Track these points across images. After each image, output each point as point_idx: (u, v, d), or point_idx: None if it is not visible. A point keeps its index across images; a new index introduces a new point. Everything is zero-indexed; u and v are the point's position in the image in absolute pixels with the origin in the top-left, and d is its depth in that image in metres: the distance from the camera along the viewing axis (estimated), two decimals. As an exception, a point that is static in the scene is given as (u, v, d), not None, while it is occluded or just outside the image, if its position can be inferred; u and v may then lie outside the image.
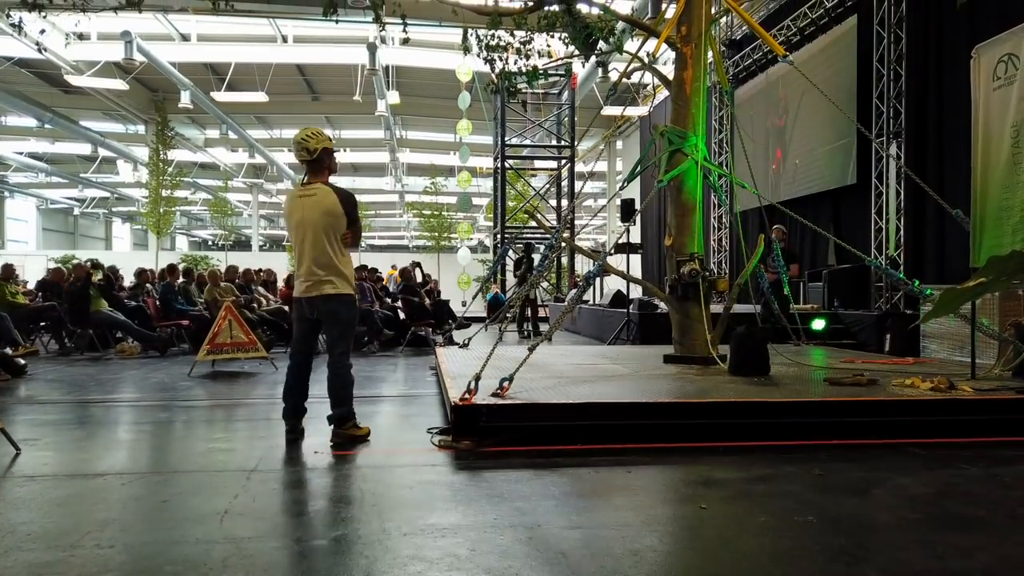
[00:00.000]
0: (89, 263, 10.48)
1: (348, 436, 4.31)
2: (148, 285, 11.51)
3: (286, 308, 10.55)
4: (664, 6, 12.18)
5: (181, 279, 11.02)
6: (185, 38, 17.58)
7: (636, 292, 12.26)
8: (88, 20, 15.58)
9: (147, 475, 3.67)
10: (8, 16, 7.50)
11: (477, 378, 4.44)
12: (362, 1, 12.23)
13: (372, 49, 15.90)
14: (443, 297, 14.04)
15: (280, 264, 24.11)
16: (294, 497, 3.34)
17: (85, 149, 26.41)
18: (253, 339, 7.97)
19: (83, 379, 7.45)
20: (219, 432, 4.92)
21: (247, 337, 7.90)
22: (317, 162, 4.38)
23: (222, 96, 18.51)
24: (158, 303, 10.51)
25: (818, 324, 9.15)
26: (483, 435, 4.12)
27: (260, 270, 13.19)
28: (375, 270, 12.56)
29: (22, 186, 35.18)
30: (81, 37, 16.80)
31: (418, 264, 11.92)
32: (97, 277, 9.99)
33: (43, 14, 7.43)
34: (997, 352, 6.00)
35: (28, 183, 34.81)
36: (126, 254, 38.66)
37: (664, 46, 6.87)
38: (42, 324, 10.67)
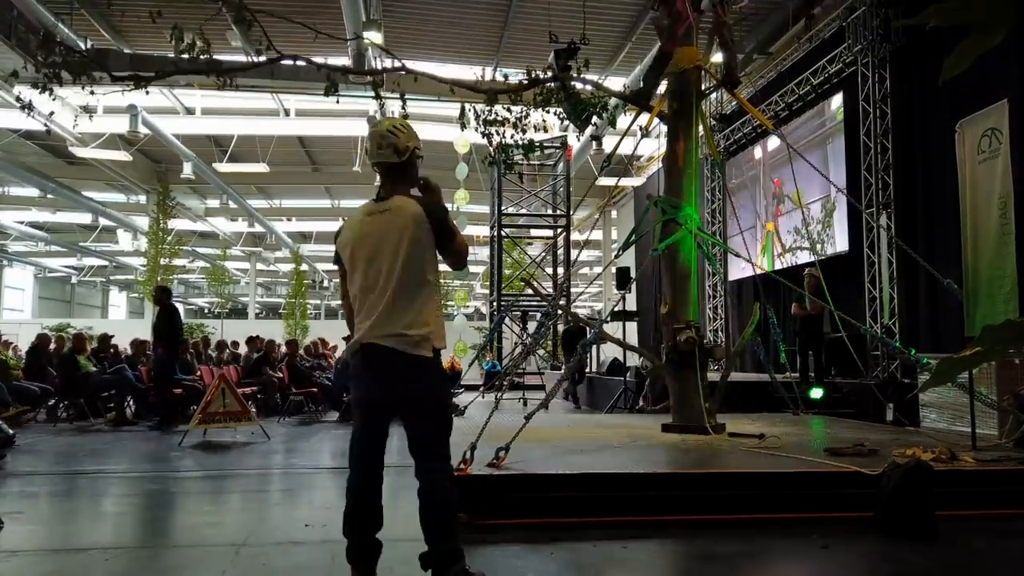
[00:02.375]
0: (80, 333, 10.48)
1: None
2: (144, 356, 11.41)
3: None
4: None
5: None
6: (190, 111, 18.00)
7: (632, 360, 12.21)
8: (95, 97, 15.97)
9: (133, 549, 3.57)
10: (19, 100, 7.70)
11: (472, 448, 4.38)
12: (363, 78, 12.63)
13: (372, 122, 16.30)
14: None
15: (275, 332, 24.06)
16: (284, 573, 3.25)
17: (86, 218, 26.66)
18: (246, 408, 7.89)
19: (72, 449, 7.33)
20: (208, 504, 4.81)
21: (240, 406, 7.81)
22: (403, 167, 2.96)
23: (224, 167, 18.82)
24: (152, 372, 10.43)
25: (816, 393, 9.09)
26: (479, 507, 4.03)
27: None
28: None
29: (21, 254, 35.36)
30: (87, 109, 17.18)
31: None
32: (92, 346, 9.99)
33: (53, 96, 7.63)
34: (998, 422, 5.96)
35: (27, 251, 35.00)
36: (121, 322, 38.55)
37: (656, 120, 7.07)
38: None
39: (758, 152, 13.47)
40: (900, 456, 4.92)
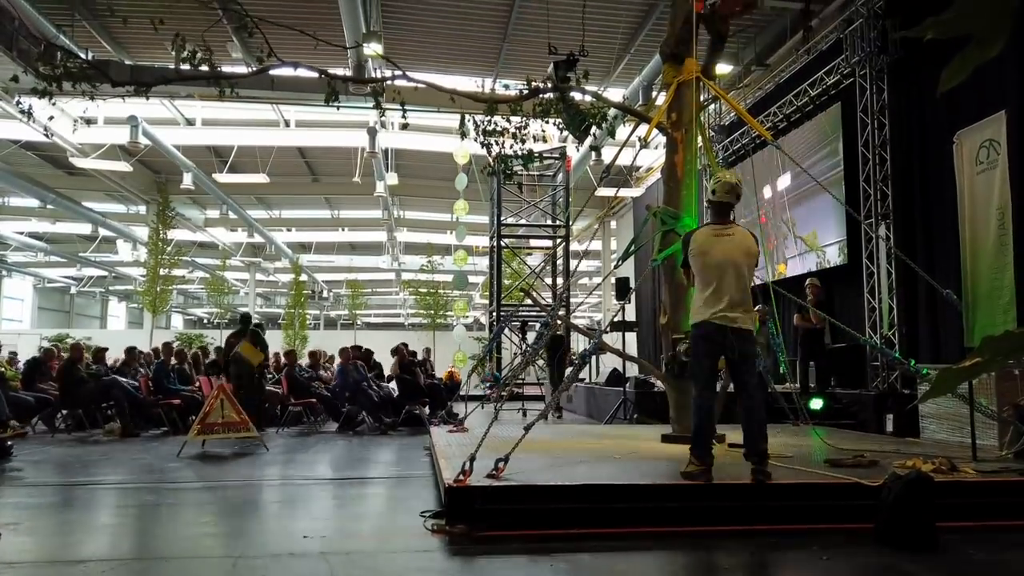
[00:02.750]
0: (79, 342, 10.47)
1: (767, 470, 4.32)
2: (140, 367, 11.35)
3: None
4: (654, 93, 12.63)
5: (174, 360, 10.94)
6: (190, 122, 18.05)
7: (632, 370, 12.20)
8: (97, 107, 16.05)
9: (130, 561, 3.55)
10: (18, 104, 7.72)
11: (472, 459, 4.36)
12: (363, 88, 12.68)
13: (372, 133, 16.33)
14: (439, 374, 13.94)
15: (274, 342, 24.04)
16: (282, 585, 3.23)
17: (85, 229, 26.68)
18: (245, 419, 7.85)
19: (69, 460, 7.30)
20: (206, 516, 4.79)
21: (239, 417, 7.78)
22: (732, 206, 4.66)
23: (224, 177, 18.85)
24: (151, 383, 10.42)
25: (816, 404, 9.08)
26: (478, 518, 4.01)
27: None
28: (369, 352, 12.38)
29: (20, 265, 35.37)
30: (88, 122, 17.24)
31: (405, 345, 11.85)
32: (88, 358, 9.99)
33: (52, 101, 7.65)
34: (998, 433, 5.95)
35: (26, 262, 35.00)
36: (120, 332, 38.51)
37: (655, 131, 7.09)
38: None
39: (768, 192, 13.27)
40: (901, 467, 4.90)
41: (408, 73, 7.79)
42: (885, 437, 7.59)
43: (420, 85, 6.85)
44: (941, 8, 1.60)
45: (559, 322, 8.98)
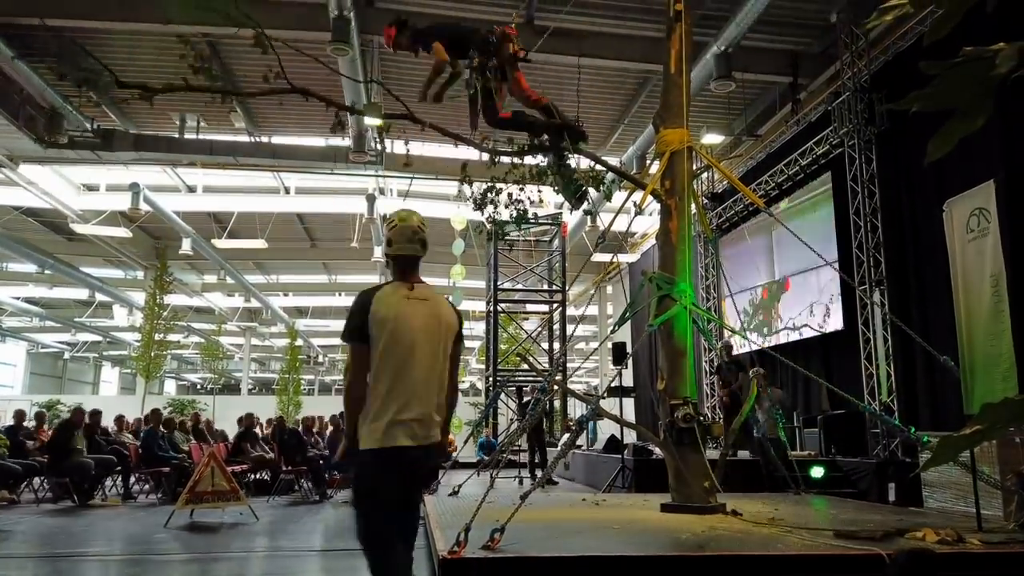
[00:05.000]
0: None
1: None
2: (129, 435, 11.18)
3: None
4: (648, 161, 12.89)
5: (163, 429, 10.78)
6: (191, 189, 18.30)
7: (631, 437, 12.04)
8: (107, 171, 16.30)
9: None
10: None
11: (467, 529, 4.25)
12: (362, 157, 12.94)
13: (371, 199, 16.56)
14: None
15: (267, 408, 23.79)
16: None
17: (82, 294, 26.69)
18: (235, 487, 7.70)
19: (54, 530, 7.10)
20: (193, 590, 4.64)
21: (229, 485, 7.63)
22: (420, 259, 3.34)
23: (223, 243, 18.99)
24: (140, 449, 10.25)
25: (817, 472, 8.94)
26: (473, 593, 3.89)
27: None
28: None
29: (15, 330, 35.22)
30: (90, 189, 17.50)
31: None
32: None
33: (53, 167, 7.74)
34: (1003, 502, 5.84)
35: (21, 327, 34.86)
36: (112, 398, 38.06)
37: (650, 198, 7.20)
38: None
39: (748, 230, 13.61)
40: (911, 538, 4.79)
41: (407, 141, 7.94)
42: (888, 507, 7.45)
43: (428, 127, 6.88)
44: (926, 82, 1.65)
45: (535, 390, 8.96)
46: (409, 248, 3.26)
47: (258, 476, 11.07)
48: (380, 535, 2.87)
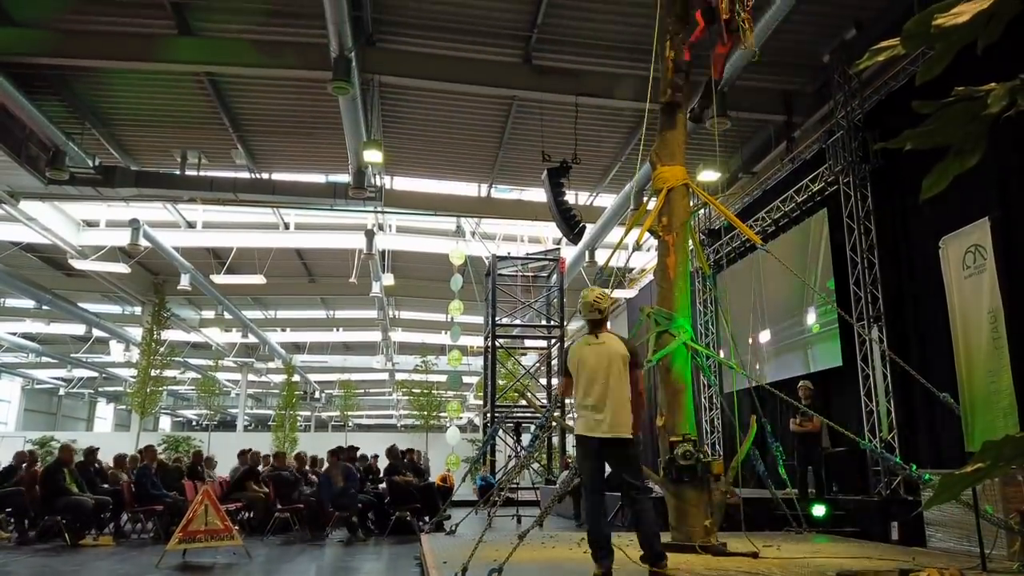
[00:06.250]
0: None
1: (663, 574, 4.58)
2: (123, 475, 11.02)
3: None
4: (645, 199, 12.99)
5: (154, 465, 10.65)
6: (191, 225, 18.37)
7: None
8: (108, 207, 16.39)
9: None
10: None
11: (464, 570, 4.19)
12: (362, 193, 13.03)
13: (370, 235, 16.64)
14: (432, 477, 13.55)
15: (263, 444, 23.53)
16: None
17: (79, 329, 26.61)
18: (229, 526, 7.58)
19: (41, 571, 6.97)
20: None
21: (223, 524, 7.51)
22: (604, 320, 4.93)
23: (221, 279, 19.00)
24: (132, 487, 10.10)
25: (819, 510, 8.83)
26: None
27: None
28: (352, 448, 12.09)
29: (11, 366, 35.03)
30: (90, 225, 17.59)
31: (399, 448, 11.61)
32: (77, 459, 9.69)
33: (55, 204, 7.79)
34: (1006, 542, 5.76)
35: (17, 363, 34.68)
36: (107, 435, 37.70)
37: (647, 234, 7.25)
38: (7, 510, 10.13)
39: (746, 265, 13.65)
40: (911, 578, 4.72)
41: (406, 179, 8.01)
42: (890, 546, 7.34)
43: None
44: (919, 120, 1.67)
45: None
46: (590, 315, 4.88)
47: (251, 515, 10.89)
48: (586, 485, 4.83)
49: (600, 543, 4.57)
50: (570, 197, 8.34)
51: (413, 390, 29.96)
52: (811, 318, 11.58)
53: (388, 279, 20.16)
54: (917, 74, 1.71)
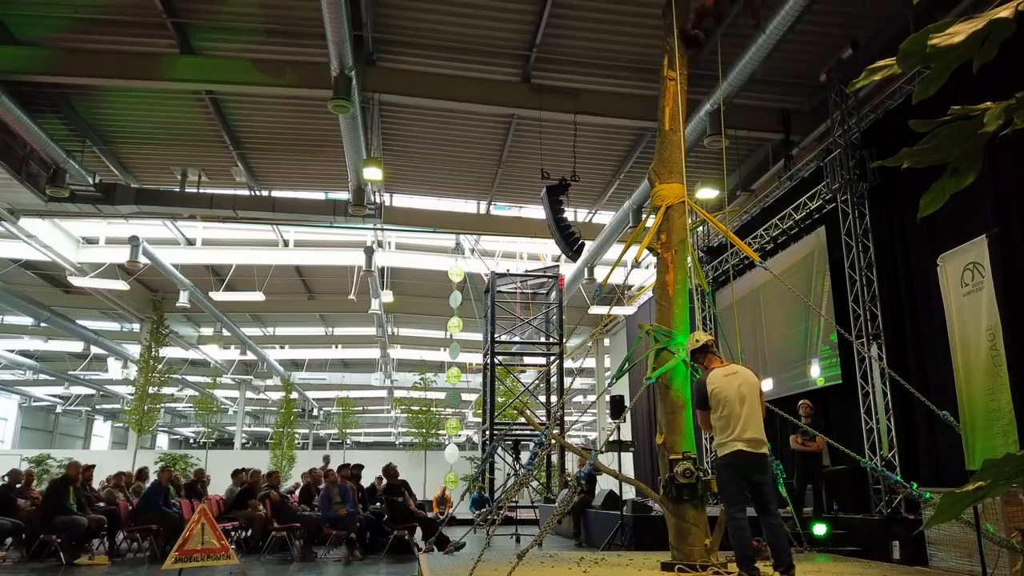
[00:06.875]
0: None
1: None
2: (120, 493, 10.96)
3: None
4: (644, 216, 13.04)
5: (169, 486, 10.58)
6: (191, 242, 18.39)
7: (629, 492, 11.85)
8: (107, 224, 16.42)
9: None
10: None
11: (463, 590, 4.15)
12: (362, 210, 13.06)
13: (369, 252, 16.67)
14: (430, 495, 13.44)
15: (261, 462, 23.39)
16: None
17: (77, 347, 26.55)
18: (225, 545, 7.51)
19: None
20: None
21: (219, 543, 7.44)
22: (705, 351, 5.79)
23: (220, 296, 18.99)
24: (131, 505, 10.03)
25: (820, 529, 8.77)
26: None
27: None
28: (359, 466, 12.00)
29: (8, 383, 34.90)
30: (90, 242, 17.60)
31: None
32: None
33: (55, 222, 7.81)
34: (1009, 561, 5.72)
35: (14, 380, 34.55)
36: (103, 453, 37.49)
37: (646, 251, 7.26)
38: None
39: (744, 282, 13.66)
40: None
41: (405, 197, 8.03)
42: (892, 565, 7.29)
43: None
44: (916, 138, 1.68)
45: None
46: (693, 346, 5.87)
47: (248, 534, 10.80)
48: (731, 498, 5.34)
49: (753, 559, 5.11)
50: (569, 214, 8.36)
51: (412, 407, 29.87)
52: (811, 335, 11.56)
53: (387, 296, 20.17)
54: (913, 93, 1.72)
